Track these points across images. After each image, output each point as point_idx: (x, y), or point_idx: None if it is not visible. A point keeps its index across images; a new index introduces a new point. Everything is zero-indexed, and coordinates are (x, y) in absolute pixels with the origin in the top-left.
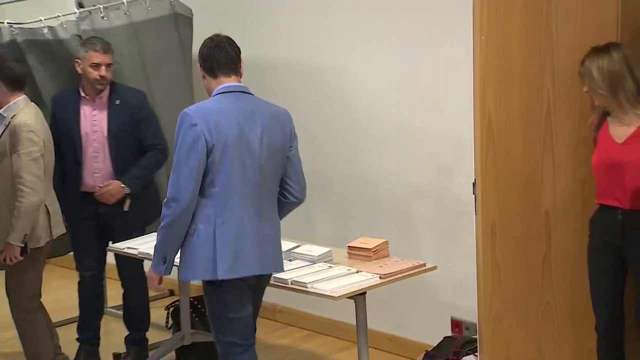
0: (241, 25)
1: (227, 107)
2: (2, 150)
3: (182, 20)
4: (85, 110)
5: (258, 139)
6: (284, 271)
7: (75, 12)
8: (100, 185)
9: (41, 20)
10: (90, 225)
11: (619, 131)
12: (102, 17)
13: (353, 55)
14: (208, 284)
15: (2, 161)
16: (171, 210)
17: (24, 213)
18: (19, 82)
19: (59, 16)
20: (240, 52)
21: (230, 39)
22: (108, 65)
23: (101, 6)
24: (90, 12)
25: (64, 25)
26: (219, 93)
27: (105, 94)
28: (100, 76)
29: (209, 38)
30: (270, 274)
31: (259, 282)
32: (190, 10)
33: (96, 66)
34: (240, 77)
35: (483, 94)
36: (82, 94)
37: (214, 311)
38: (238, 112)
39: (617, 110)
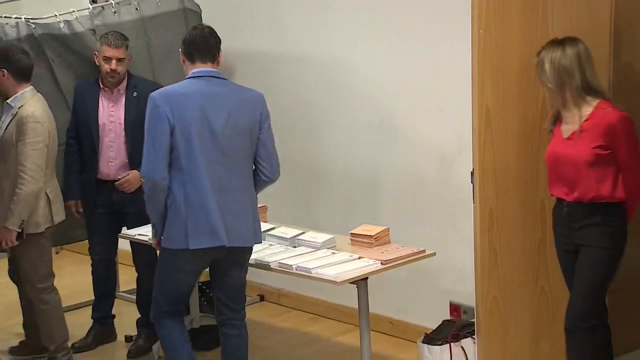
0: (249, 21)
1: (192, 90)
2: (9, 139)
3: (191, 15)
4: (104, 101)
5: (223, 121)
6: (252, 244)
7: (89, 8)
8: (116, 174)
9: (56, 15)
10: (104, 212)
11: (566, 127)
12: (114, 13)
13: (356, 48)
14: (166, 249)
15: (10, 150)
16: (145, 186)
17: (22, 200)
18: (25, 74)
19: (73, 11)
20: (220, 42)
21: (212, 29)
22: (119, 60)
23: (113, 2)
24: (103, 7)
25: (79, 20)
26: (190, 77)
27: (123, 86)
28: (111, 69)
29: (193, 27)
30: (245, 248)
31: (231, 255)
32: (199, 5)
33: (107, 59)
34: (217, 64)
35: (481, 87)
36: (101, 86)
37: (164, 271)
38: (203, 94)
39: (562, 106)
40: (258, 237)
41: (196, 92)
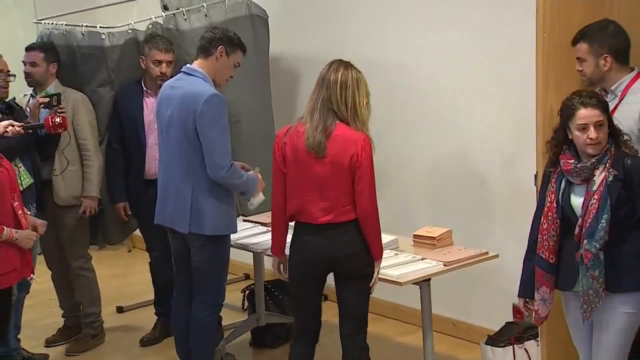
0: (313, 25)
1: (164, 88)
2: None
3: (258, 21)
4: (147, 102)
5: (167, 116)
6: (184, 232)
7: (162, 15)
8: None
9: (131, 23)
10: (153, 211)
11: None
12: (185, 19)
13: (414, 46)
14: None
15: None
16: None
17: (97, 169)
18: None
19: (151, 18)
20: (214, 39)
21: (214, 27)
22: (169, 63)
23: (184, 9)
24: (174, 14)
25: (150, 27)
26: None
27: None
28: (161, 72)
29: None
30: (190, 233)
31: (183, 237)
32: (265, 11)
33: (158, 63)
34: (206, 59)
35: (545, 89)
36: (144, 88)
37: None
38: (164, 92)
39: None
40: (184, 224)
41: (165, 90)
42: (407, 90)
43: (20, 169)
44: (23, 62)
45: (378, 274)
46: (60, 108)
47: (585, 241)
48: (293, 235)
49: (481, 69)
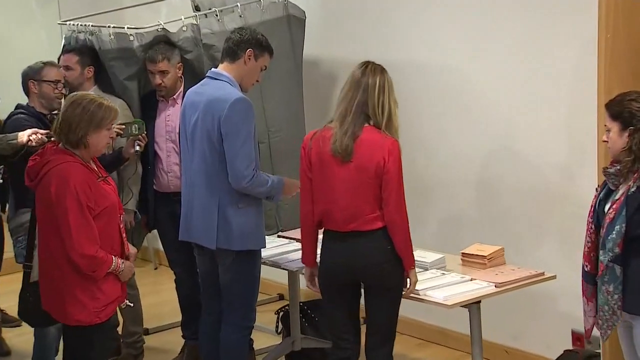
0: (354, 27)
1: (188, 95)
2: None
3: (295, 22)
4: (161, 112)
5: (192, 124)
6: (211, 247)
7: (194, 15)
8: (171, 184)
9: (160, 24)
10: (171, 225)
11: None
12: (218, 20)
13: (468, 54)
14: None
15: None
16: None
17: (135, 181)
18: None
19: (181, 19)
20: (241, 41)
21: (240, 28)
22: (162, 73)
23: (217, 10)
24: (206, 15)
25: (184, 29)
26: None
27: (179, 95)
28: (157, 84)
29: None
30: (218, 249)
31: (210, 254)
32: (304, 12)
33: (151, 74)
34: (233, 62)
35: (608, 96)
36: (157, 96)
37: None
38: (188, 99)
39: None
40: (212, 239)
41: (190, 96)
42: (454, 96)
43: None
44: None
45: (416, 281)
46: (142, 136)
47: (601, 251)
48: (322, 243)
49: (535, 74)
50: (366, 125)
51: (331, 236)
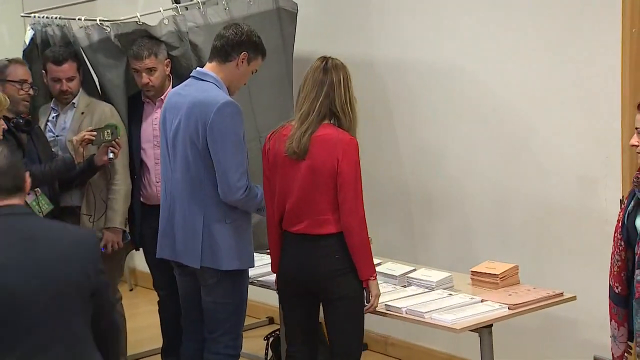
0: (350, 20)
1: (169, 96)
2: None
3: (286, 16)
4: (148, 115)
5: (174, 129)
6: (195, 266)
7: (174, 7)
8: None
9: (137, 16)
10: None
11: None
12: (202, 13)
13: (476, 54)
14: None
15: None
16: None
17: (124, 196)
18: None
19: (160, 10)
20: (240, 42)
21: (234, 25)
22: (149, 70)
23: (200, 1)
24: (187, 7)
25: (165, 22)
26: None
27: (165, 97)
28: (143, 83)
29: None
30: (202, 268)
31: (192, 274)
32: (296, 4)
33: (136, 72)
34: (224, 64)
35: (633, 98)
36: (143, 96)
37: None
38: (170, 101)
39: None
40: (196, 258)
41: (171, 97)
42: (463, 100)
43: (38, 194)
44: (54, 78)
45: (377, 298)
46: (116, 142)
47: (637, 270)
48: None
49: (553, 76)
50: (325, 122)
51: (286, 238)
